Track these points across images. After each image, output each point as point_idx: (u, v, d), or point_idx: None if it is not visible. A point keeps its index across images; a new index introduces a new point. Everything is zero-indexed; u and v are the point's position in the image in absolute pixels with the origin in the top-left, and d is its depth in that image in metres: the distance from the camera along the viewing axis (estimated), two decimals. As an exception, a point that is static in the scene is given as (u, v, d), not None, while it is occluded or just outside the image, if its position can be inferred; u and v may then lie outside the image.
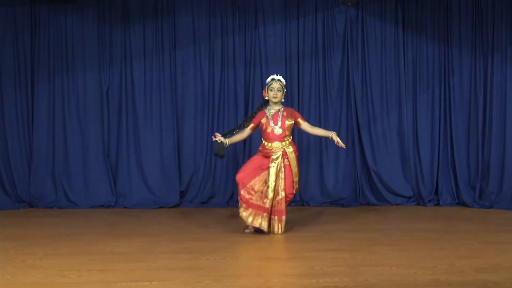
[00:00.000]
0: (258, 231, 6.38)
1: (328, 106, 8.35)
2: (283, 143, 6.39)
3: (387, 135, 8.35)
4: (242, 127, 6.57)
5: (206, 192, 8.32)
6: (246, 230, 6.48)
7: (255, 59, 8.30)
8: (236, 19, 8.33)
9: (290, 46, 8.33)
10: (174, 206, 8.20)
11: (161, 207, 8.16)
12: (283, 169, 6.34)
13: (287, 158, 6.38)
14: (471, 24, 8.24)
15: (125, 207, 8.19)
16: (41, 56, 8.24)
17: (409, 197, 8.32)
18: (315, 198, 8.31)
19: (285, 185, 6.32)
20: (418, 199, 8.36)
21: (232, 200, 8.23)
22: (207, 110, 8.33)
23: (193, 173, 8.35)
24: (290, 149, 6.41)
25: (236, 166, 8.13)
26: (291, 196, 6.46)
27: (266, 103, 6.56)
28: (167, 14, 8.26)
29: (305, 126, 6.54)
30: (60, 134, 8.25)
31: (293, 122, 6.44)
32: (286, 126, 6.39)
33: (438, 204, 8.25)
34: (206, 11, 8.30)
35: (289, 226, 6.58)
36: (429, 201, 8.28)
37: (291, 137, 6.51)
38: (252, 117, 6.55)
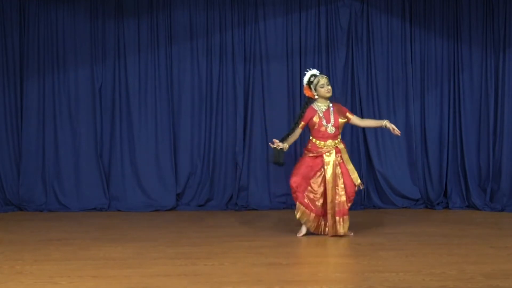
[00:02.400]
0: (310, 233, 6.38)
1: None
2: (336, 141, 6.30)
3: (394, 135, 8.13)
4: (294, 129, 6.39)
5: (204, 194, 8.27)
6: (299, 234, 6.39)
7: (255, 55, 8.27)
8: (235, 12, 8.30)
9: (292, 41, 8.29)
10: (170, 209, 8.16)
11: (157, 210, 8.12)
12: (339, 167, 6.24)
13: (340, 155, 6.28)
14: (482, 18, 8.21)
15: (119, 211, 8.15)
16: (31, 52, 8.21)
17: (417, 200, 8.26)
18: None
19: (345, 183, 6.23)
20: (426, 202, 8.30)
21: (230, 203, 8.22)
22: (204, 108, 8.30)
23: (190, 174, 8.30)
24: (341, 146, 6.34)
25: (235, 168, 8.21)
26: (353, 194, 6.36)
27: (310, 99, 6.42)
28: (163, 8, 8.25)
29: (354, 120, 6.46)
30: (50, 133, 8.22)
31: (345, 120, 6.36)
32: (339, 124, 6.30)
33: (447, 207, 8.20)
34: (204, 5, 8.28)
35: (291, 230, 6.59)
36: (438, 204, 8.21)
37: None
38: (301, 116, 6.38)
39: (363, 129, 8.14)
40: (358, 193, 8.01)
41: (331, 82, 8.11)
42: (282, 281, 4.67)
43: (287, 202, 8.17)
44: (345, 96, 8.26)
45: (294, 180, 6.22)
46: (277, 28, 8.25)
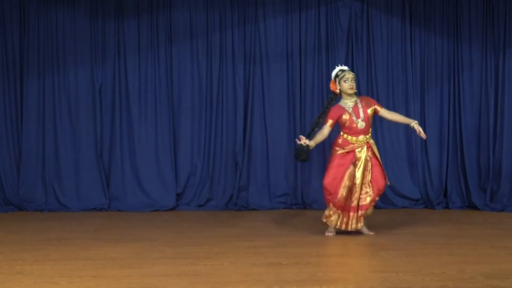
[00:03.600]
0: (339, 232, 6.39)
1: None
2: (367, 135, 6.27)
3: (394, 135, 8.33)
4: (319, 125, 6.34)
5: (204, 194, 8.25)
6: (328, 234, 6.39)
7: (255, 55, 8.24)
8: (235, 12, 8.26)
9: (292, 41, 8.26)
10: (170, 209, 8.13)
11: (157, 210, 8.10)
12: (370, 162, 6.22)
13: (371, 150, 6.26)
14: (482, 17, 8.18)
15: (119, 210, 8.12)
16: (31, 53, 8.16)
17: (417, 200, 8.24)
18: (318, 200, 8.13)
19: (375, 179, 6.22)
20: (426, 202, 8.27)
21: (230, 203, 8.20)
22: (204, 108, 8.27)
23: (190, 174, 8.28)
24: (372, 140, 6.32)
25: (235, 168, 8.20)
26: (383, 189, 6.36)
27: (335, 96, 6.39)
28: (163, 8, 8.21)
29: (383, 112, 6.38)
30: (50, 133, 8.18)
31: (373, 110, 6.30)
32: (369, 117, 6.25)
33: (447, 207, 8.18)
34: (204, 4, 8.24)
35: (291, 230, 6.60)
36: (438, 204, 8.20)
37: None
38: (325, 112, 6.33)
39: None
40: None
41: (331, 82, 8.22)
42: (282, 281, 4.66)
43: (287, 202, 8.19)
44: (345, 96, 8.29)
45: (328, 183, 6.19)
46: (277, 28, 8.22)
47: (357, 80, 8.12)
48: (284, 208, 8.15)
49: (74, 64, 8.16)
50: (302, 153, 6.10)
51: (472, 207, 8.04)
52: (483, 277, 4.68)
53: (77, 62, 8.16)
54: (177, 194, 8.21)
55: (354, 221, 6.22)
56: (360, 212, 6.21)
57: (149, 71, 8.21)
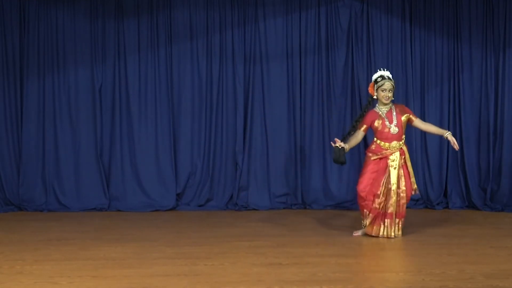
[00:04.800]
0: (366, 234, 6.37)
1: (331, 104, 8.28)
2: (401, 142, 6.25)
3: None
4: (354, 129, 6.38)
5: (204, 194, 8.24)
6: (355, 233, 6.40)
7: (255, 55, 8.23)
8: (235, 12, 8.26)
9: (292, 41, 8.26)
10: (170, 209, 8.13)
11: (157, 210, 8.09)
12: (401, 169, 6.23)
13: (404, 157, 6.26)
14: (482, 18, 8.19)
15: (119, 211, 8.11)
16: (31, 53, 8.15)
17: (417, 200, 8.20)
18: (318, 201, 8.24)
19: (405, 185, 6.21)
20: (426, 202, 8.27)
21: (230, 203, 8.20)
22: (204, 108, 8.27)
23: (190, 174, 8.27)
24: (405, 147, 6.31)
25: (235, 168, 8.19)
26: (409, 198, 6.36)
27: (372, 100, 6.39)
28: (163, 8, 8.20)
29: (417, 122, 6.39)
30: (50, 134, 8.17)
31: (407, 118, 6.31)
32: (402, 123, 6.26)
33: (447, 207, 8.20)
34: (204, 4, 8.23)
35: (291, 230, 6.59)
36: (438, 204, 8.21)
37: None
38: (362, 117, 6.36)
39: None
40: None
41: (331, 82, 8.24)
42: (282, 281, 4.67)
43: (287, 202, 8.18)
44: (345, 96, 8.24)
45: (362, 189, 6.19)
46: (277, 28, 8.21)
47: (358, 80, 8.16)
48: (284, 208, 8.14)
49: (74, 64, 8.14)
50: (340, 156, 6.15)
51: (472, 207, 8.05)
52: (483, 277, 4.69)
53: (77, 62, 8.15)
54: (177, 194, 8.20)
55: (391, 227, 6.20)
56: (397, 220, 6.21)
57: (149, 71, 8.19)
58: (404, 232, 6.47)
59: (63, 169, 8.16)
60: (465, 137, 8.12)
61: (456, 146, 6.23)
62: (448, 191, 8.21)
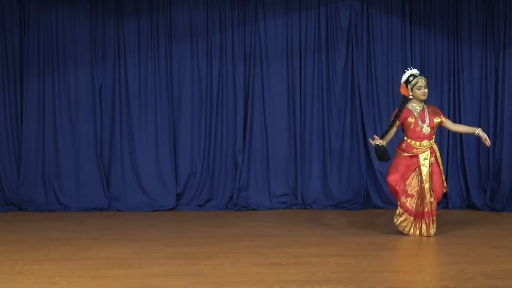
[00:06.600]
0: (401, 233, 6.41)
1: (331, 104, 8.28)
2: (431, 141, 6.32)
3: (394, 135, 8.16)
4: (391, 127, 6.43)
5: (204, 194, 8.23)
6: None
7: (255, 55, 8.22)
8: (235, 12, 8.25)
9: (292, 41, 8.25)
10: (170, 209, 8.11)
11: (157, 210, 8.07)
12: (432, 167, 6.27)
13: (435, 155, 6.31)
14: (482, 18, 8.18)
15: (119, 211, 8.09)
16: (31, 52, 8.13)
17: None
18: (318, 200, 8.24)
19: (434, 184, 6.27)
20: None
21: (230, 203, 8.18)
22: (204, 108, 8.26)
23: (190, 174, 8.26)
24: (435, 146, 6.36)
25: (235, 168, 8.19)
26: (441, 196, 6.42)
27: (406, 100, 6.44)
28: (163, 8, 8.19)
29: (447, 124, 6.49)
30: (50, 134, 8.16)
31: (439, 120, 6.37)
32: (434, 124, 6.32)
33: (447, 207, 8.17)
34: (204, 4, 8.21)
35: (291, 230, 6.60)
36: (438, 204, 7.97)
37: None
38: (398, 115, 6.41)
39: (363, 128, 8.17)
40: (359, 192, 8.18)
41: (331, 82, 8.24)
42: (282, 281, 4.67)
43: (287, 202, 8.18)
44: (345, 96, 8.24)
45: (393, 179, 6.27)
46: (277, 28, 8.20)
47: (358, 80, 8.17)
48: (284, 208, 8.13)
49: (74, 64, 8.13)
50: (384, 153, 6.20)
51: (472, 207, 8.04)
52: (483, 277, 4.68)
53: (77, 62, 8.13)
54: (177, 194, 8.19)
55: (427, 226, 6.24)
56: (432, 218, 6.25)
57: (149, 71, 8.19)
58: (403, 232, 6.49)
59: (63, 169, 8.14)
60: (465, 137, 8.08)
61: (488, 142, 6.27)
62: (448, 191, 8.03)
